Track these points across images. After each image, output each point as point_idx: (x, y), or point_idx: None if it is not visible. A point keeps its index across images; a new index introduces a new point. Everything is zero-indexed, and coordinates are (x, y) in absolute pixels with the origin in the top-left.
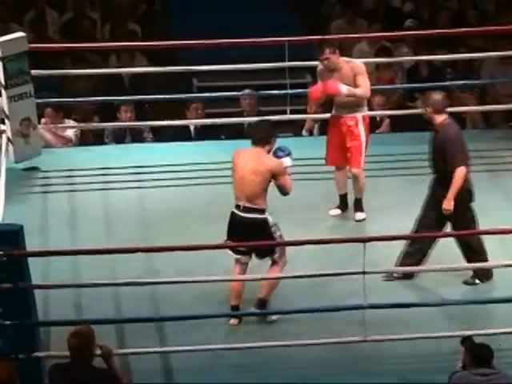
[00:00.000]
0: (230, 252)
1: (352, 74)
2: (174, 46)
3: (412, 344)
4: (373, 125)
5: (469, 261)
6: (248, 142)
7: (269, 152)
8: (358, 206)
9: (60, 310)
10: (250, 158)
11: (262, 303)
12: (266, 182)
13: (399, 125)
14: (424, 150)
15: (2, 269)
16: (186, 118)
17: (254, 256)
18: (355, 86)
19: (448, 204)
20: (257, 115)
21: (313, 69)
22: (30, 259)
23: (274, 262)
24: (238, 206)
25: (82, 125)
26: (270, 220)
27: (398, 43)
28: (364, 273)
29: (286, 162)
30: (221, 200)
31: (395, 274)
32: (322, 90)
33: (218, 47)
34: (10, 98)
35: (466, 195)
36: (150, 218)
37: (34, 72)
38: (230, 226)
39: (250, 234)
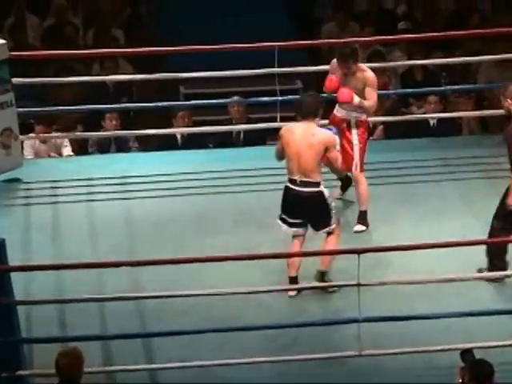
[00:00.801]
0: (286, 227)
1: (362, 84)
2: (160, 51)
3: (409, 358)
4: None
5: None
6: (235, 151)
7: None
8: (361, 218)
9: (44, 326)
10: (302, 132)
11: (323, 275)
12: (320, 155)
13: (393, 131)
14: (419, 157)
15: None
16: (173, 127)
17: (310, 228)
18: (362, 95)
19: (511, 199)
20: (246, 123)
21: (303, 74)
22: (12, 274)
23: (329, 233)
24: (292, 181)
25: (65, 134)
26: (326, 192)
27: (391, 47)
28: (359, 285)
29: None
30: (209, 210)
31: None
32: (337, 88)
33: (205, 52)
34: None
35: None
36: (135, 230)
37: (14, 80)
38: (285, 201)
39: (307, 207)
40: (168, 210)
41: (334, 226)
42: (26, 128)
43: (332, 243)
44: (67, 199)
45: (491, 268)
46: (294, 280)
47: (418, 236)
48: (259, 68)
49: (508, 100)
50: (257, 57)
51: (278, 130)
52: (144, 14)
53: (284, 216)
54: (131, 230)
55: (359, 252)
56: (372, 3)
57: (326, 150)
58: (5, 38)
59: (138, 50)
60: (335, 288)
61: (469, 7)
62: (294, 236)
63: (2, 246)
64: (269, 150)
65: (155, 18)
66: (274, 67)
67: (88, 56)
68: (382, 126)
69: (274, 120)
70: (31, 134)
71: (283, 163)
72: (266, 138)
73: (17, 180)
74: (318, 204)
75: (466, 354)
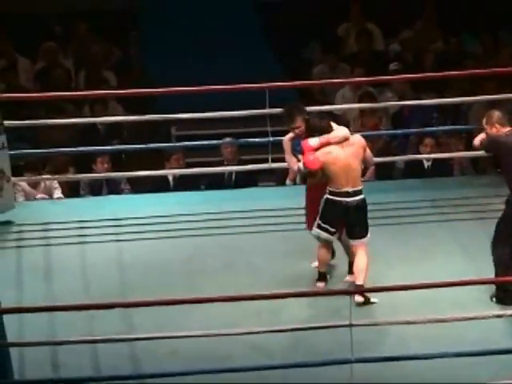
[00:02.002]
0: (327, 235)
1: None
2: (151, 92)
3: None
4: None
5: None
6: (227, 192)
7: None
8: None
9: (36, 367)
10: (341, 146)
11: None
12: (361, 159)
13: (383, 172)
14: (411, 198)
15: None
16: (165, 168)
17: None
18: None
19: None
20: (238, 164)
21: None
22: (4, 316)
23: (362, 244)
24: (345, 194)
25: (56, 176)
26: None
27: (382, 88)
28: (351, 325)
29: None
30: (201, 253)
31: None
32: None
33: (195, 94)
34: None
35: None
36: (128, 272)
37: (6, 123)
38: (332, 213)
39: (357, 215)
40: (159, 251)
41: (368, 235)
42: (18, 170)
43: (365, 254)
44: (59, 241)
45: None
46: (324, 275)
47: (409, 276)
48: (250, 109)
49: (496, 125)
50: (247, 98)
51: (269, 171)
52: (134, 56)
53: (326, 226)
54: (122, 272)
55: (351, 293)
56: (363, 45)
57: (364, 150)
58: None
59: (130, 91)
60: None
61: (458, 48)
62: (328, 242)
63: None
64: (260, 191)
65: (145, 61)
66: (265, 108)
67: (79, 97)
68: (373, 167)
69: (265, 161)
70: (23, 177)
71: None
72: (258, 179)
73: (9, 222)
74: (364, 209)
75: None
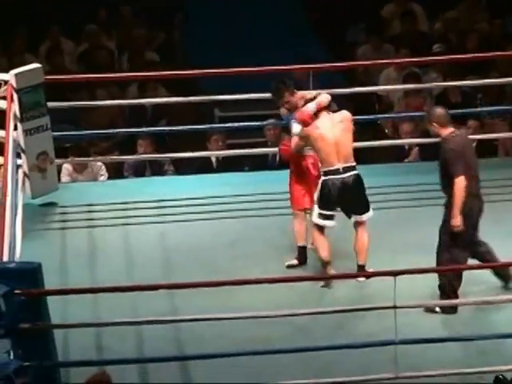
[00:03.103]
0: (324, 221)
1: None
2: (194, 74)
3: (446, 379)
4: (401, 154)
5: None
6: (271, 173)
7: None
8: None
9: (80, 350)
10: (329, 121)
11: (363, 268)
12: (352, 133)
13: (429, 153)
14: None
15: (21, 308)
16: (208, 150)
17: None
18: None
19: (455, 221)
20: None
21: (339, 97)
22: (48, 298)
23: (363, 223)
24: (335, 171)
25: (100, 158)
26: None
27: (427, 68)
28: (395, 307)
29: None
30: (246, 234)
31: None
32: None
33: (240, 75)
34: (26, 132)
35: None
36: (172, 254)
37: (50, 104)
38: (329, 194)
39: (352, 192)
40: (205, 233)
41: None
42: (62, 152)
43: (366, 232)
44: (102, 223)
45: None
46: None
47: None
48: None
49: (434, 124)
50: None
51: None
52: (177, 38)
53: (324, 211)
54: (167, 254)
55: (395, 274)
56: (407, 26)
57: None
58: (41, 63)
59: (174, 72)
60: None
61: (502, 30)
62: (324, 228)
63: (38, 271)
64: None
65: (188, 43)
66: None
67: (122, 79)
68: (417, 148)
69: None
70: (67, 159)
71: None
72: None
73: (53, 204)
74: (360, 186)
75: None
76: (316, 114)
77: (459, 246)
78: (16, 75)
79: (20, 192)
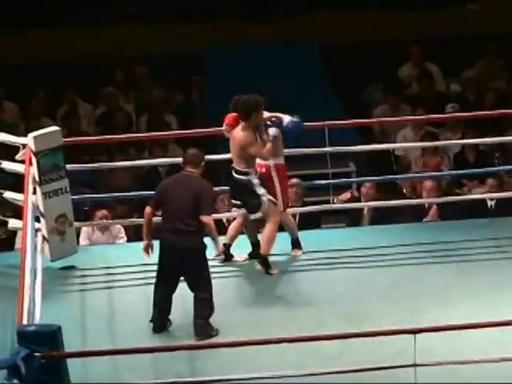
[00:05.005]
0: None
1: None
2: (210, 132)
3: None
4: (420, 213)
5: None
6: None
7: None
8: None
9: None
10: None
11: (264, 258)
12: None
13: (447, 212)
14: (473, 237)
15: (41, 371)
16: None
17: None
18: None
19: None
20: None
21: (356, 156)
22: (68, 360)
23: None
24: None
25: (118, 221)
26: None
27: (443, 128)
28: (415, 365)
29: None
30: (267, 292)
31: None
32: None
33: None
34: (45, 194)
35: None
36: (191, 315)
37: (68, 166)
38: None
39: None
40: (222, 292)
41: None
42: (81, 215)
43: (269, 228)
44: (122, 284)
45: None
46: (228, 246)
47: (473, 315)
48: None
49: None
50: (311, 143)
51: (331, 212)
52: (196, 100)
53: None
54: (186, 315)
55: (415, 332)
56: (424, 86)
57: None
58: (58, 126)
59: (191, 131)
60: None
61: None
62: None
63: (57, 333)
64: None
65: (206, 105)
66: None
67: (140, 139)
68: (435, 207)
69: (327, 202)
70: (86, 222)
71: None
72: (320, 221)
73: (72, 267)
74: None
75: None
76: None
77: None
78: (35, 138)
79: (39, 255)
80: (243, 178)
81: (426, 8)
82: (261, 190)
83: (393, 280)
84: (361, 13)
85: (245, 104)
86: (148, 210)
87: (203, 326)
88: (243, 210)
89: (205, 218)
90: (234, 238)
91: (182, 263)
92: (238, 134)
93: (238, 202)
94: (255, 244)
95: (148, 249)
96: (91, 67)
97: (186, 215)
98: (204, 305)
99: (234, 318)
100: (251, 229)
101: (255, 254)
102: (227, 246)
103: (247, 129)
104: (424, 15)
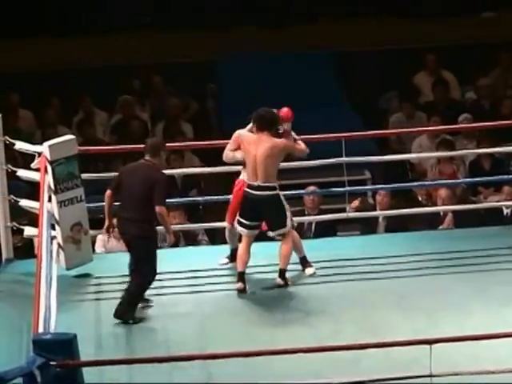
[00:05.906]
0: (241, 229)
1: None
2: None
3: None
4: (435, 220)
5: None
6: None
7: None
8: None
9: None
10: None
11: (283, 272)
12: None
13: (463, 220)
14: (489, 245)
15: (57, 379)
16: None
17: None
18: None
19: None
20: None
21: (371, 165)
22: (84, 369)
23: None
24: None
25: None
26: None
27: (458, 136)
28: (431, 376)
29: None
30: (280, 303)
31: None
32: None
33: None
34: (61, 203)
35: None
36: (207, 324)
37: (84, 175)
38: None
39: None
40: (238, 302)
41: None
42: (96, 223)
43: (287, 245)
44: None
45: None
46: (242, 274)
47: (489, 324)
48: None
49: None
50: (326, 150)
51: (346, 220)
52: (211, 108)
53: (241, 219)
54: (202, 324)
55: (431, 342)
56: (439, 94)
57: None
58: (74, 134)
59: (207, 142)
60: None
61: None
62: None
63: (73, 342)
64: (339, 241)
65: (222, 113)
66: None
67: None
68: (451, 215)
69: (343, 211)
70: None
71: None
72: (337, 229)
73: (87, 275)
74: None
75: None
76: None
77: None
78: (50, 147)
79: (54, 263)
80: (272, 193)
81: (442, 16)
82: (287, 205)
83: (408, 289)
84: (374, 22)
85: (267, 115)
86: (108, 192)
87: (124, 310)
88: (254, 231)
89: (158, 209)
90: (247, 263)
91: (129, 249)
92: (267, 143)
93: (256, 223)
94: (235, 250)
95: (109, 229)
96: (107, 75)
97: (139, 204)
98: (134, 290)
99: (252, 326)
100: (235, 238)
101: (233, 258)
102: (241, 275)
103: (272, 136)
104: (439, 24)
